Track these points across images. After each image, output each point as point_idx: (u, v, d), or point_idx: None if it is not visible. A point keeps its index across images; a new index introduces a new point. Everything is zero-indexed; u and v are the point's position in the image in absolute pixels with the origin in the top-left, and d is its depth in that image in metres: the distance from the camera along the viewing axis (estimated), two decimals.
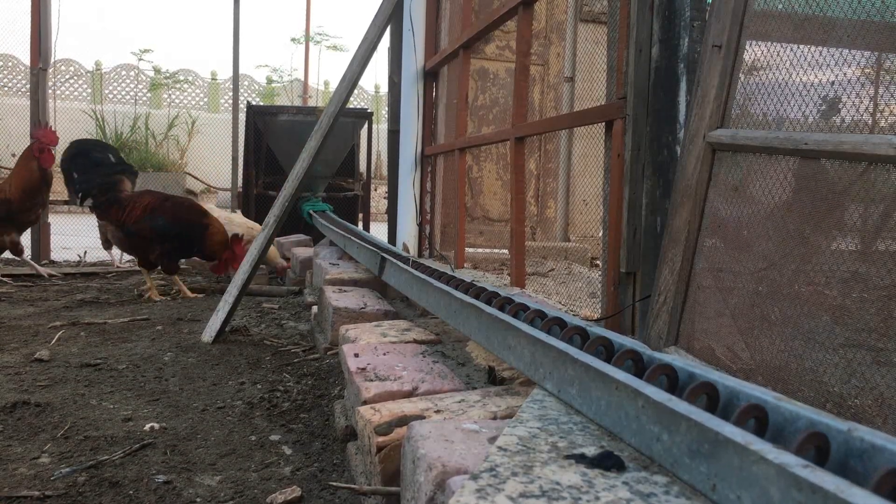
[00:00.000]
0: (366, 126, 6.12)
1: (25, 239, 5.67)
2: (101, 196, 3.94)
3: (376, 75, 17.36)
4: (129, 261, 5.02)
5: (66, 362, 2.36)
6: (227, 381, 2.21)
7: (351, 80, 3.41)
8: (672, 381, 1.03)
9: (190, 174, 12.37)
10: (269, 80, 15.59)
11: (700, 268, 1.54)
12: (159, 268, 3.93)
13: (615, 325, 1.93)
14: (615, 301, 1.96)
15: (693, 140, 1.56)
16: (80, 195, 4.02)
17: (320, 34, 14.59)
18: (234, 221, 4.61)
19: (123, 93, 15.06)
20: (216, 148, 11.97)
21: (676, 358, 1.07)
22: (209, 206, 4.82)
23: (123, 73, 15.11)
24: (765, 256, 1.41)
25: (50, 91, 7.74)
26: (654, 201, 1.82)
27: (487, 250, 4.85)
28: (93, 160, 4.06)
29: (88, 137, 4.53)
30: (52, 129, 4.44)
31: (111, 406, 1.92)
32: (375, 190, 11.45)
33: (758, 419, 0.85)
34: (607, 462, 0.84)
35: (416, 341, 1.95)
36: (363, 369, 1.60)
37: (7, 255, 4.57)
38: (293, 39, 14.38)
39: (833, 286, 1.29)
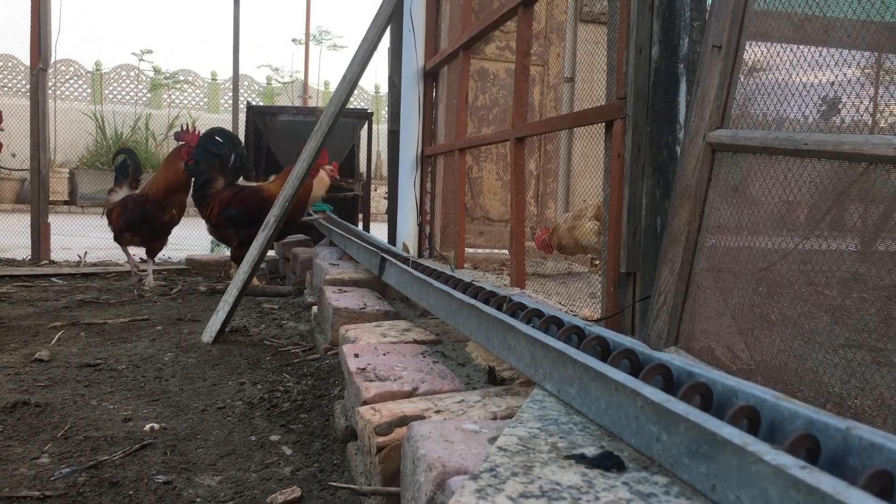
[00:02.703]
0: (366, 126, 6.12)
1: (24, 238, 5.69)
2: (199, 190, 4.32)
3: (376, 75, 17.35)
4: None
5: (66, 362, 2.36)
6: (226, 381, 2.21)
7: (351, 80, 3.41)
8: (667, 380, 1.03)
9: None
10: (270, 80, 15.60)
11: (700, 268, 1.54)
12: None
13: (615, 326, 1.93)
14: (615, 301, 1.96)
15: (693, 140, 1.56)
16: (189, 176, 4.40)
17: (324, 32, 14.58)
18: None
19: (123, 93, 15.07)
20: None
21: (676, 357, 1.07)
22: None
23: (123, 73, 15.12)
24: (765, 257, 1.41)
25: (50, 91, 7.74)
26: (654, 201, 1.82)
27: (487, 250, 4.85)
28: (213, 151, 4.37)
29: (221, 127, 4.64)
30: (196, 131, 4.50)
31: (111, 406, 1.92)
32: (375, 190, 11.45)
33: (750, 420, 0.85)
34: (607, 462, 0.84)
35: (416, 341, 1.95)
36: (363, 369, 1.60)
37: (8, 255, 4.57)
38: (294, 40, 14.38)
39: (833, 286, 1.29)
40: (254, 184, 4.72)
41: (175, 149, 4.50)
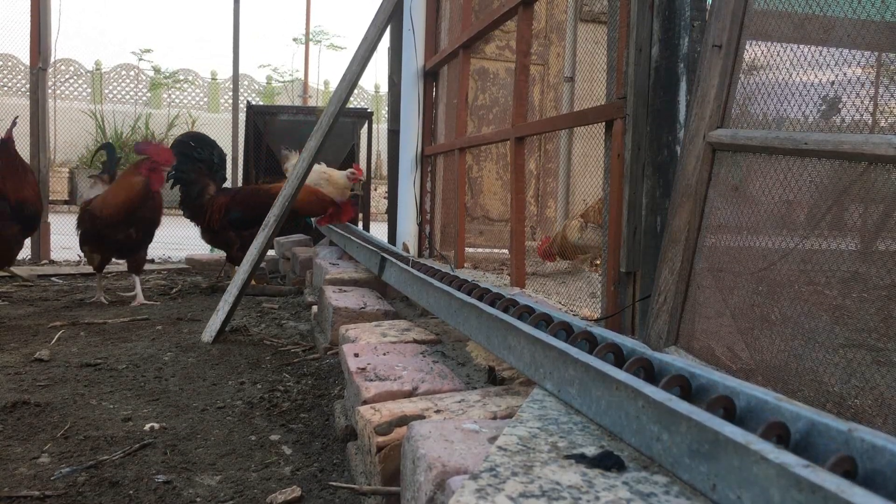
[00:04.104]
0: (366, 126, 6.12)
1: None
2: (195, 199, 4.19)
3: (376, 75, 17.36)
4: None
5: (66, 362, 2.36)
6: (226, 380, 2.21)
7: (351, 80, 3.41)
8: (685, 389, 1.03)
9: None
10: (270, 80, 15.60)
11: (700, 268, 1.54)
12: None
13: (615, 325, 1.93)
14: (615, 301, 1.96)
15: (693, 140, 1.56)
16: (171, 182, 4.20)
17: (321, 33, 14.57)
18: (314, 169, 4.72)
19: (123, 93, 15.07)
20: None
21: (677, 358, 1.07)
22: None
23: (123, 72, 15.12)
24: (765, 256, 1.41)
25: (50, 91, 7.73)
26: (654, 201, 1.82)
27: (487, 250, 4.85)
28: (195, 157, 4.24)
29: (192, 132, 4.47)
30: (166, 145, 3.80)
31: (111, 406, 1.92)
32: (375, 190, 11.44)
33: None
34: (607, 462, 0.83)
35: (416, 341, 1.95)
36: (363, 369, 1.60)
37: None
38: (295, 39, 14.37)
39: (833, 286, 1.29)
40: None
41: (137, 161, 3.76)
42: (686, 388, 1.00)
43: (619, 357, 1.16)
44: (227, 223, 4.12)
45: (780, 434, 0.81)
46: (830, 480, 0.60)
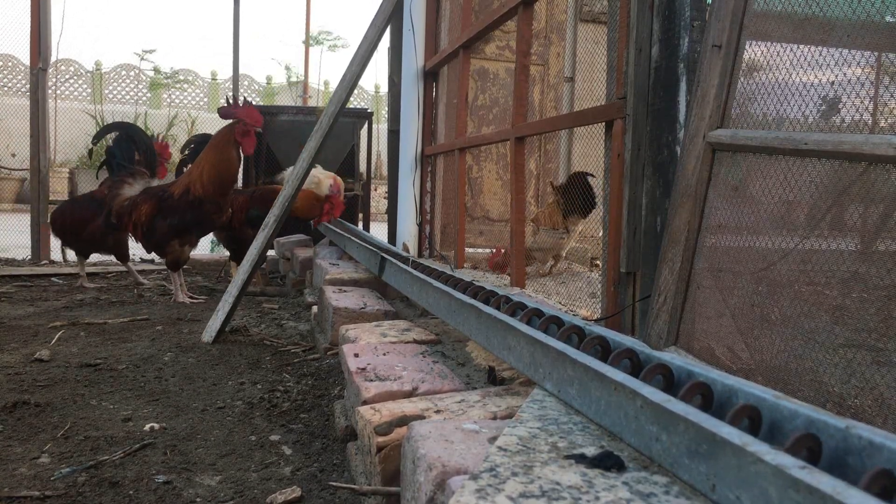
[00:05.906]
0: (366, 126, 6.12)
1: (25, 238, 5.68)
2: None
3: (376, 75, 17.38)
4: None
5: (66, 362, 2.36)
6: (226, 381, 2.21)
7: (351, 80, 3.41)
8: (668, 380, 1.03)
9: None
10: (270, 80, 15.60)
11: (700, 268, 1.54)
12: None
13: (615, 325, 1.93)
14: (615, 301, 1.96)
15: (693, 140, 1.56)
16: None
17: (325, 33, 14.56)
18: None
19: (123, 93, 15.08)
20: None
21: (676, 357, 1.07)
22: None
23: (123, 73, 15.12)
24: (765, 256, 1.41)
25: (50, 91, 7.73)
26: (654, 201, 1.82)
27: (487, 250, 4.85)
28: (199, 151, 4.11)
29: (206, 133, 4.28)
30: (252, 104, 3.37)
31: (111, 406, 1.92)
32: (375, 190, 11.45)
33: (751, 419, 0.85)
34: (607, 462, 0.84)
35: (416, 341, 1.95)
36: (363, 369, 1.60)
37: (8, 255, 4.53)
38: (303, 42, 14.36)
39: (833, 286, 1.29)
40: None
41: (225, 128, 3.39)
42: (708, 394, 0.98)
43: (635, 363, 1.15)
44: (246, 222, 4.10)
45: (750, 416, 0.82)
46: (826, 482, 0.60)
